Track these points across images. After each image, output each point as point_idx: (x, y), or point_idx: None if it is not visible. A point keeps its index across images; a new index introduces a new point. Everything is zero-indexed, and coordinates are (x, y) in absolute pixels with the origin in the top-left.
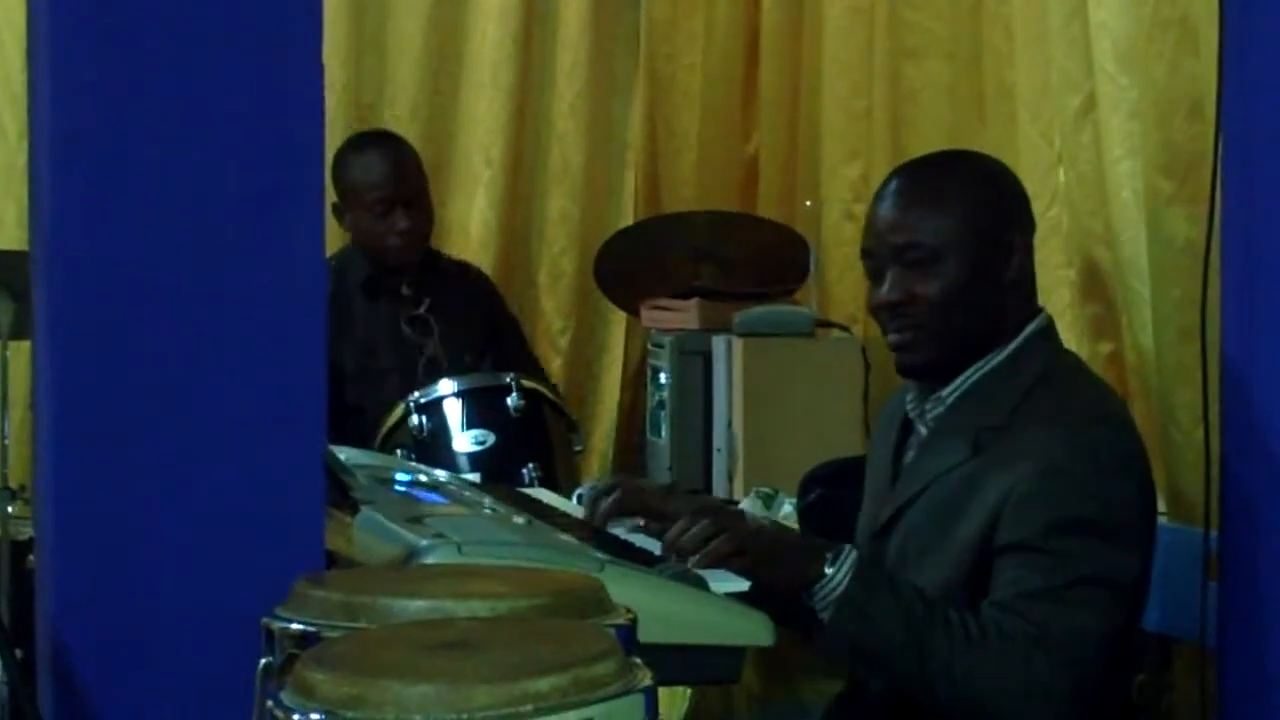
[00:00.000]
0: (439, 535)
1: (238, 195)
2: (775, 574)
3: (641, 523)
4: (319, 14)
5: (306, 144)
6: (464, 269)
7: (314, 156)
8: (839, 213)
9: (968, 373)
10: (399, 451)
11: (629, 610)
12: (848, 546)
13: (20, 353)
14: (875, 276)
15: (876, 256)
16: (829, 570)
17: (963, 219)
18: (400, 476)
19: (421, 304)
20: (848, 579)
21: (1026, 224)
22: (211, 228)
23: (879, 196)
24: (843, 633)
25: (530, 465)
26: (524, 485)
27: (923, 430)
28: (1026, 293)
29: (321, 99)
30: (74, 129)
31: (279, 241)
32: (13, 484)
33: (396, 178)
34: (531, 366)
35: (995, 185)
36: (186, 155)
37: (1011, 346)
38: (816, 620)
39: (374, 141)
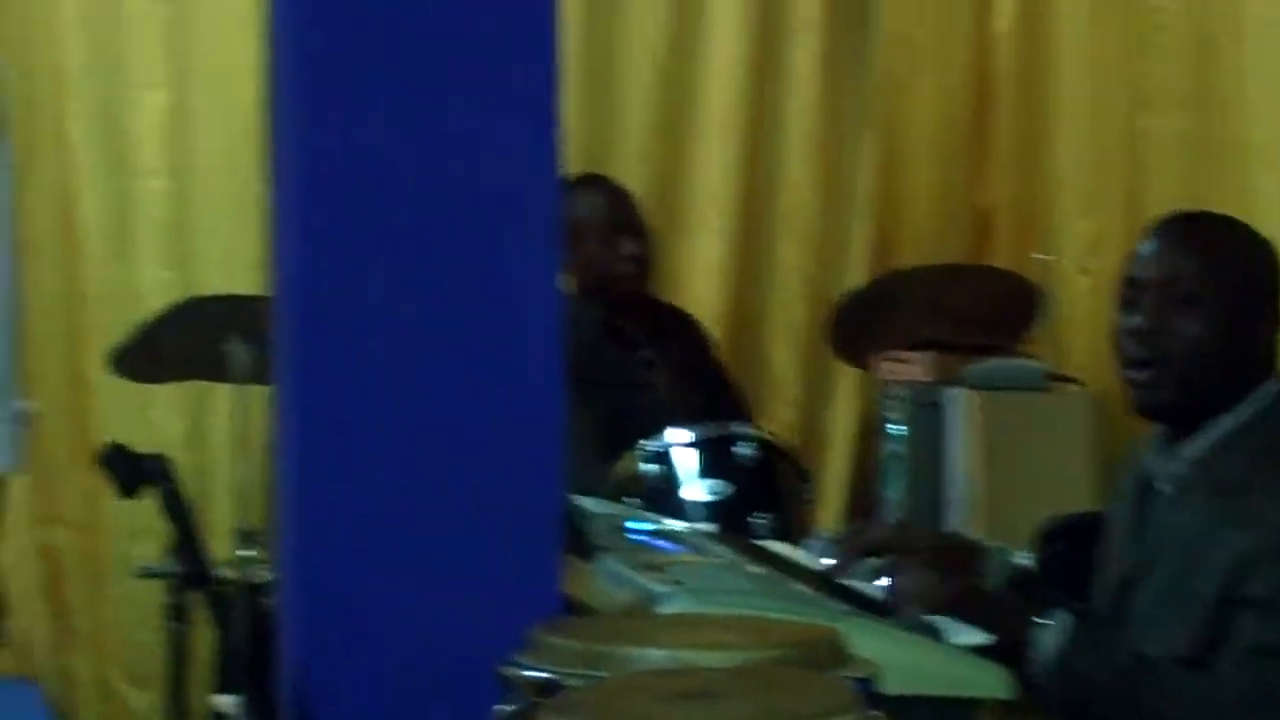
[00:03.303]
0: (677, 583)
1: (478, 239)
2: (984, 630)
3: (882, 563)
4: (555, 58)
5: (544, 186)
6: (680, 314)
7: (551, 199)
8: (1073, 267)
9: (1206, 432)
10: (631, 500)
11: (870, 663)
12: (1059, 610)
13: (256, 397)
14: (1130, 304)
15: (1138, 284)
16: (1039, 634)
17: (1231, 272)
18: (635, 525)
19: (647, 348)
20: (1058, 643)
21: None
22: (451, 273)
23: (1154, 229)
24: (1057, 697)
25: (763, 516)
26: (756, 536)
27: (1165, 489)
28: (1267, 366)
29: (558, 143)
30: (322, 178)
31: (518, 284)
32: (247, 527)
33: (619, 205)
34: (746, 415)
35: (1269, 259)
36: (429, 200)
37: (1252, 408)
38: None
39: (587, 179)
